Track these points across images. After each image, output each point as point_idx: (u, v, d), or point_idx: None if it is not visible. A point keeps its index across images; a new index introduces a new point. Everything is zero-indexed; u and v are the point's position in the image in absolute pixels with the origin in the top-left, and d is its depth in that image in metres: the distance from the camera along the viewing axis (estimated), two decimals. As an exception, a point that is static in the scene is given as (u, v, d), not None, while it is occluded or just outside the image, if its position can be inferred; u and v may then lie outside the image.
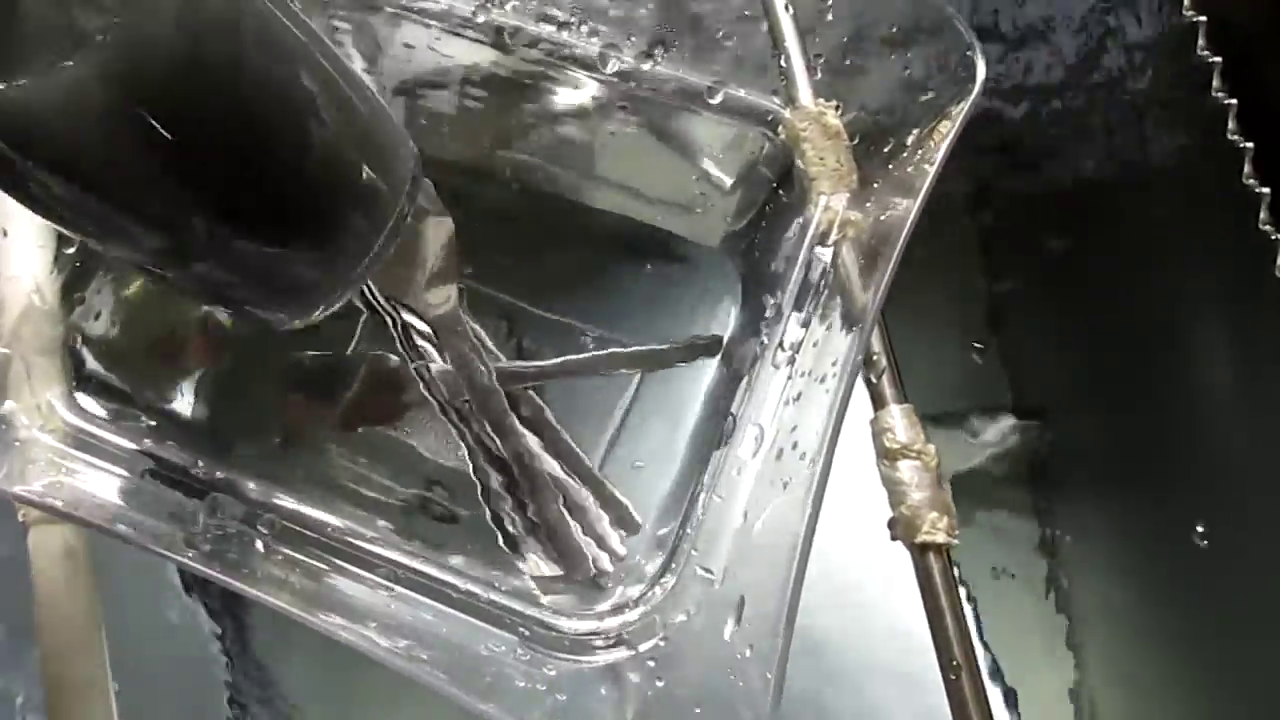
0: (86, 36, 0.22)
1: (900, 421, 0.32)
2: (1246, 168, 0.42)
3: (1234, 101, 0.43)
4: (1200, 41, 0.44)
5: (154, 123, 0.23)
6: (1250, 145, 0.42)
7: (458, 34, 0.37)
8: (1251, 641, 0.39)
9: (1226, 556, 0.40)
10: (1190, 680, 0.39)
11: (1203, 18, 0.44)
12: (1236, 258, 0.43)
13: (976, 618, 0.38)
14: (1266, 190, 0.41)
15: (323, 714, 0.39)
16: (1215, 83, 0.44)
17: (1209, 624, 0.40)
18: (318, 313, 0.30)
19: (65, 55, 0.22)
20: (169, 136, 0.24)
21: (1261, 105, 0.43)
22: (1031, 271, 0.45)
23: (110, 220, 0.26)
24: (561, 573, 0.33)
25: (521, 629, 0.31)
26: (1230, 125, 0.43)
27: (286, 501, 0.33)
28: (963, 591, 0.39)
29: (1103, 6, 0.46)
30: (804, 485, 0.27)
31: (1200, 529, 0.40)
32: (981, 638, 0.38)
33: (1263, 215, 0.41)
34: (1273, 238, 0.41)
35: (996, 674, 0.38)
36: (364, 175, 0.28)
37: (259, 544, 0.31)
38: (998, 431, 0.46)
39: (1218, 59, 0.44)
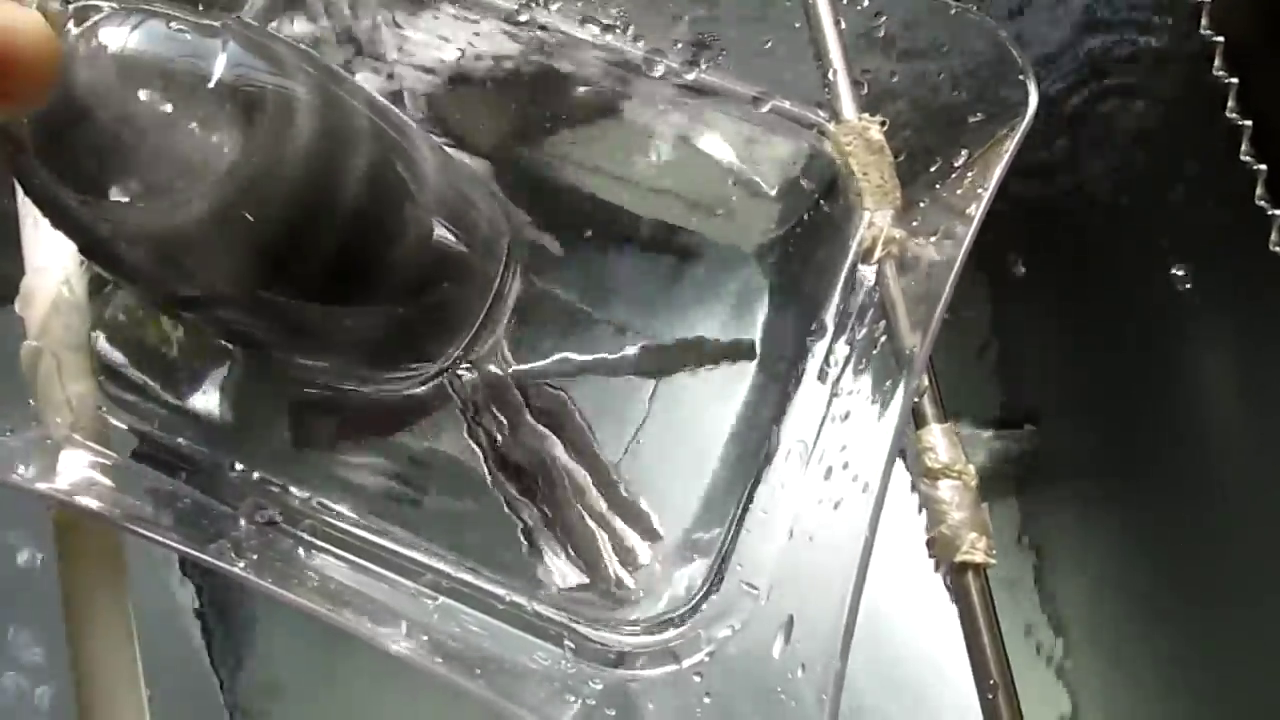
0: (206, 175, 0.24)
1: (942, 441, 0.32)
2: (1259, 189, 0.43)
3: (1249, 123, 0.44)
4: (1217, 62, 0.45)
5: (264, 248, 0.26)
6: (1263, 167, 0.43)
7: (499, 30, 0.36)
8: (1239, 649, 0.40)
9: (1215, 565, 0.41)
10: (1175, 684, 0.40)
11: (1220, 38, 0.45)
12: (1241, 270, 0.44)
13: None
14: (1279, 212, 0.42)
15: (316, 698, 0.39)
16: (1230, 103, 0.45)
17: (1197, 631, 0.41)
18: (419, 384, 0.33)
19: (189, 187, 0.24)
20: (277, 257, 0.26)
21: (1276, 127, 0.44)
22: (1025, 279, 0.45)
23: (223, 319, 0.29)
24: (586, 580, 0.33)
25: (567, 641, 0.31)
26: (1244, 146, 0.44)
27: (326, 505, 0.32)
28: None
29: (1120, 23, 0.46)
30: (860, 511, 0.28)
31: (1189, 536, 0.41)
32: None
33: (1274, 236, 0.42)
34: (1281, 252, 0.42)
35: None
36: (464, 261, 0.31)
37: (300, 550, 0.31)
38: (986, 438, 0.46)
39: (1234, 80, 0.45)
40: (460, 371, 0.34)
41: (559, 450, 0.35)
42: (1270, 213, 0.42)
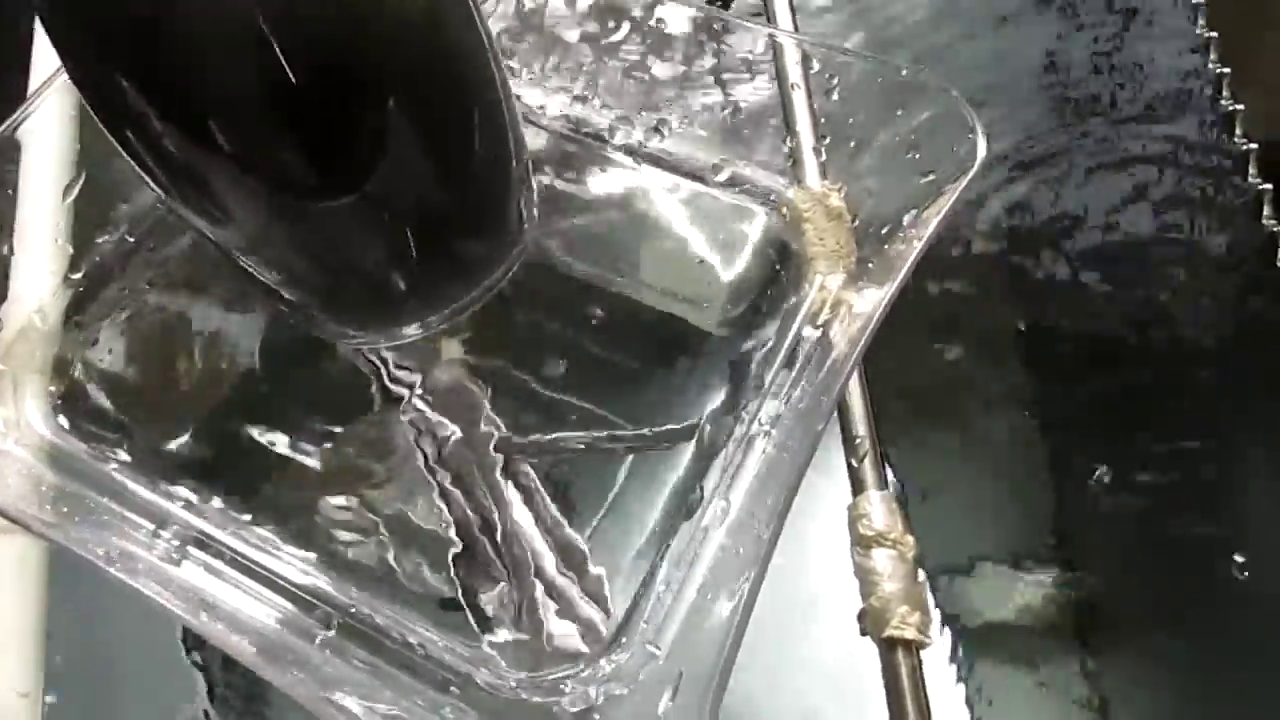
0: None
1: (878, 508, 0.30)
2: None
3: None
4: (1251, 169, 0.44)
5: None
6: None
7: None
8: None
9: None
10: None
11: (1254, 145, 0.44)
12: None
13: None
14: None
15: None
16: (1266, 210, 0.43)
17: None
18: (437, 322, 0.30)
19: None
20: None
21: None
22: (1078, 413, 0.43)
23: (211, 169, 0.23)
24: (525, 638, 0.32)
25: (453, 688, 0.29)
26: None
27: (247, 540, 0.32)
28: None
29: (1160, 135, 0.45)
30: (752, 557, 0.26)
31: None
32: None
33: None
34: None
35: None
36: (514, 169, 0.26)
37: (208, 573, 0.31)
38: (1038, 579, 0.43)
39: (1268, 186, 0.43)
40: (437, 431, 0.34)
41: (529, 523, 0.34)
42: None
